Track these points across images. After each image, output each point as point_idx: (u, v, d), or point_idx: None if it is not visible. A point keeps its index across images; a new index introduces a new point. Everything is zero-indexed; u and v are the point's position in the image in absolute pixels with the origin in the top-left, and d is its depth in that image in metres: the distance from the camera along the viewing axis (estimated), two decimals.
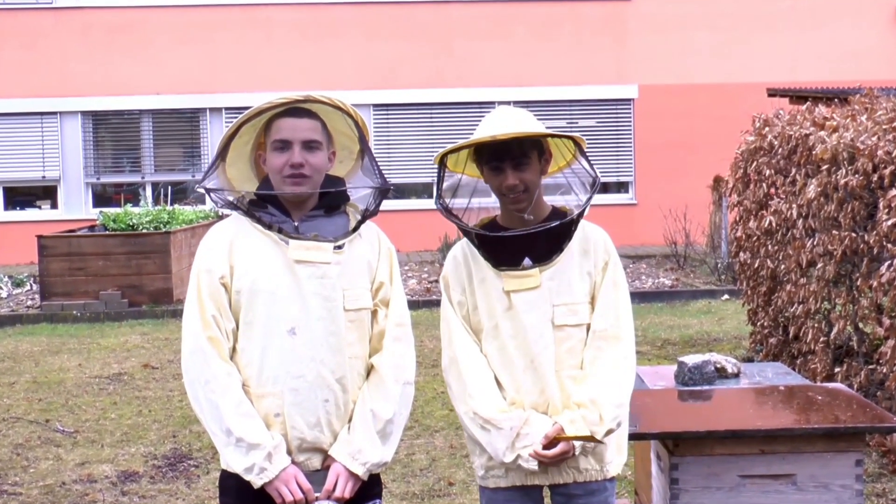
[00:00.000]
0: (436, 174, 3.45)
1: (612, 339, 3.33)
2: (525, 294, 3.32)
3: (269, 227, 3.21)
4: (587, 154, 3.41)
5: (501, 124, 3.30)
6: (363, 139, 3.33)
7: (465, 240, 3.46)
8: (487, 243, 3.38)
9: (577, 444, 3.26)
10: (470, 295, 3.39)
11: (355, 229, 3.28)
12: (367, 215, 3.30)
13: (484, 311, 3.37)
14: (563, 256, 3.35)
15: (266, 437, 3.09)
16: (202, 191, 3.28)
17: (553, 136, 3.36)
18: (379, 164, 3.37)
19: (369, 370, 3.27)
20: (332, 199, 3.30)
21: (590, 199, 3.38)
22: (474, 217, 3.45)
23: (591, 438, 3.23)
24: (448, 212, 3.41)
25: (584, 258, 3.37)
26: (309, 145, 3.20)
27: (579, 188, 3.44)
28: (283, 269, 3.17)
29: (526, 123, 3.32)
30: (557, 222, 3.35)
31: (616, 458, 3.42)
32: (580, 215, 3.36)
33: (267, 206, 3.25)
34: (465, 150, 3.43)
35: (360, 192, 3.35)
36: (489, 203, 3.48)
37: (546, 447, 3.24)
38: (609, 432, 3.28)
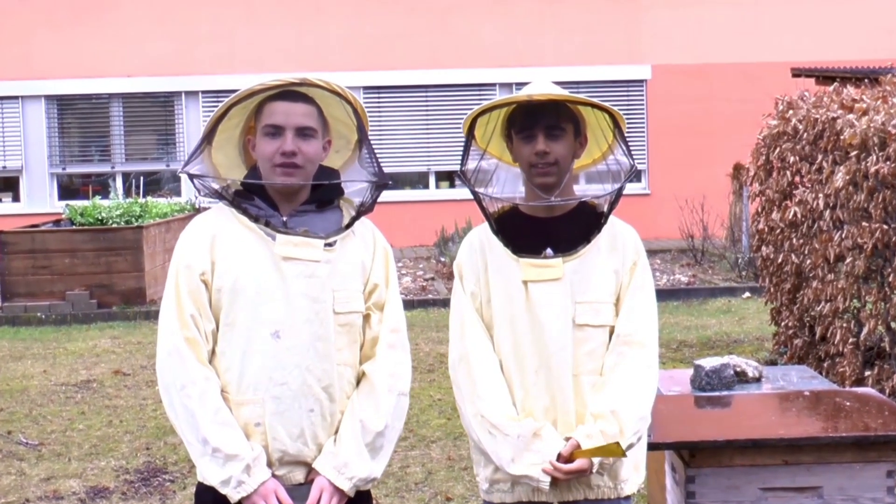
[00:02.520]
0: (463, 141, 3.47)
1: (637, 345, 3.33)
2: (545, 286, 3.33)
3: (255, 219, 3.20)
4: (626, 138, 3.43)
5: (539, 87, 3.37)
6: (362, 128, 3.33)
7: (482, 225, 3.48)
8: (507, 227, 3.40)
9: (596, 460, 3.24)
10: (484, 286, 3.40)
11: (349, 226, 3.28)
12: (361, 211, 3.30)
13: (498, 303, 3.37)
14: (589, 250, 3.36)
15: (245, 447, 3.09)
16: (185, 175, 3.28)
17: (591, 104, 3.38)
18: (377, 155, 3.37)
19: (359, 379, 3.27)
20: (324, 193, 3.30)
21: (623, 186, 3.41)
22: (492, 207, 3.46)
23: (612, 450, 3.19)
24: (469, 182, 3.43)
25: (611, 255, 3.39)
26: (303, 132, 3.19)
27: (613, 176, 3.47)
28: (268, 267, 3.17)
29: (564, 92, 3.37)
30: (588, 198, 3.40)
31: (633, 475, 3.41)
32: (613, 202, 3.39)
33: (254, 198, 3.25)
34: (496, 117, 3.45)
35: (355, 186, 3.34)
36: (509, 193, 3.51)
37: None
38: (629, 447, 3.27)
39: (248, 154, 3.34)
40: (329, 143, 3.32)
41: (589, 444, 3.22)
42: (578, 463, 3.22)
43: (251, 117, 3.28)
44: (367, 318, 3.28)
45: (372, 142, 3.37)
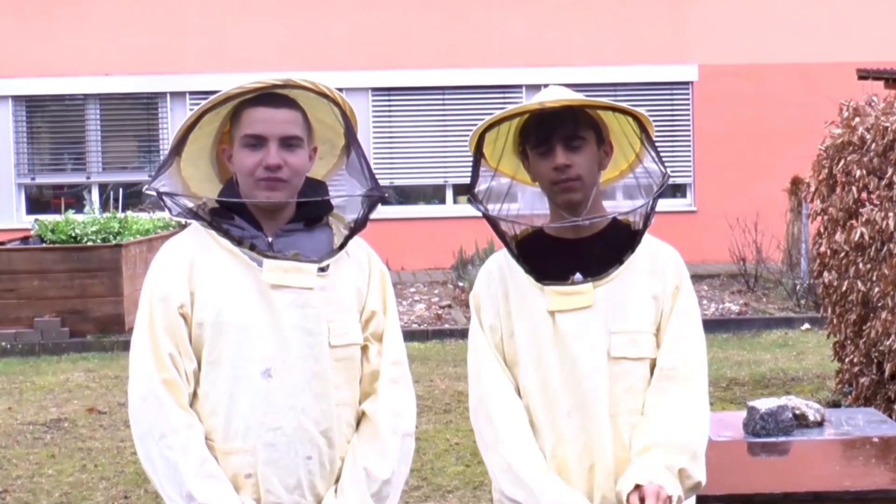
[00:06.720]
0: (471, 160, 3.45)
1: (682, 379, 3.32)
2: (574, 316, 3.32)
3: (238, 242, 3.19)
4: (655, 143, 3.42)
5: (551, 93, 3.36)
6: (351, 132, 3.32)
7: (501, 251, 3.47)
8: (529, 251, 3.39)
9: None
10: (506, 318, 3.39)
11: (342, 246, 3.27)
12: (355, 229, 3.30)
13: (523, 338, 3.36)
14: (623, 273, 3.35)
15: (235, 502, 3.09)
16: (153, 194, 3.28)
17: (612, 108, 3.37)
18: (370, 163, 3.35)
19: (359, 419, 3.26)
20: (312, 209, 3.30)
21: (657, 198, 3.40)
22: (511, 230, 3.44)
23: None
24: (481, 204, 3.41)
25: (650, 279, 3.38)
26: (288, 142, 3.19)
27: (644, 189, 3.46)
28: (255, 297, 3.16)
29: (580, 96, 3.36)
30: (620, 215, 3.39)
31: None
32: (648, 217, 3.39)
33: (234, 217, 3.24)
34: (506, 131, 3.44)
35: (346, 199, 3.34)
36: (528, 212, 3.50)
37: None
38: (696, 486, 3.23)
39: (222, 166, 3.34)
40: (315, 151, 3.32)
41: (640, 479, 3.15)
42: None
43: (226, 123, 3.27)
44: (364, 350, 3.28)
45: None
